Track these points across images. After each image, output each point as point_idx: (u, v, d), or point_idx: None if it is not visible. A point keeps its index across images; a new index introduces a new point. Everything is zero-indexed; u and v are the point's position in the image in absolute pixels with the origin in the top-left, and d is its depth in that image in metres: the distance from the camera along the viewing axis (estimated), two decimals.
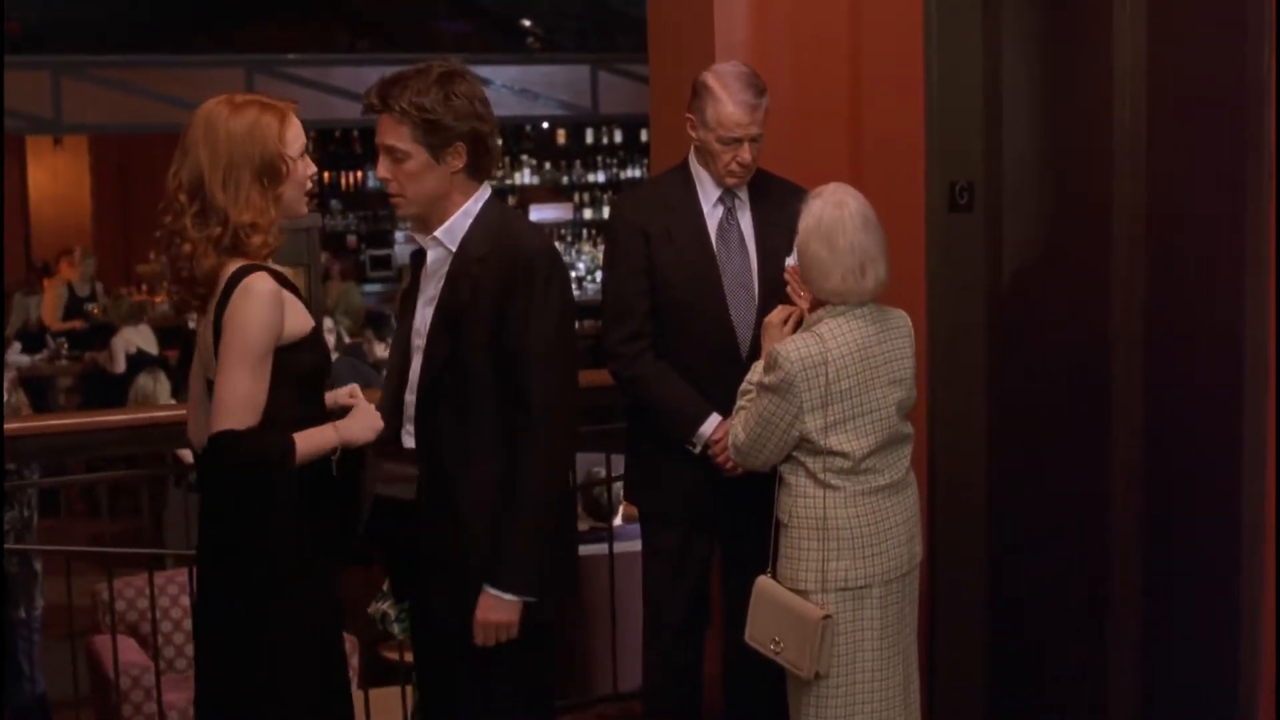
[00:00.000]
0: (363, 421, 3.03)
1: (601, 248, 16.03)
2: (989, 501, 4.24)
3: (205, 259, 2.92)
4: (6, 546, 5.42)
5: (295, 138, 3.00)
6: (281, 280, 2.97)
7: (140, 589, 5.14)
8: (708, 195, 3.86)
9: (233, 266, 2.93)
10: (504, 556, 3.06)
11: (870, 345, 3.43)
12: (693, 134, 3.84)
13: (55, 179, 16.73)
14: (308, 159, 3.05)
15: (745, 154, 3.78)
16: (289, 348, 2.93)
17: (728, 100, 3.76)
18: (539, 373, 3.06)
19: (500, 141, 3.20)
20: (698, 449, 3.76)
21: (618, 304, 3.83)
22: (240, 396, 2.86)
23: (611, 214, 4.09)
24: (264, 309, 2.87)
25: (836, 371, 3.38)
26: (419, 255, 3.25)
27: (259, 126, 2.95)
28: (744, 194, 3.88)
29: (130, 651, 4.95)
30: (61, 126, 14.19)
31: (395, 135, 3.08)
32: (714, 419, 3.74)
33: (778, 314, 3.60)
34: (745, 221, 3.86)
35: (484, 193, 3.19)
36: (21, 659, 5.65)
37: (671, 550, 3.87)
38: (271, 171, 2.95)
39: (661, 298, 3.81)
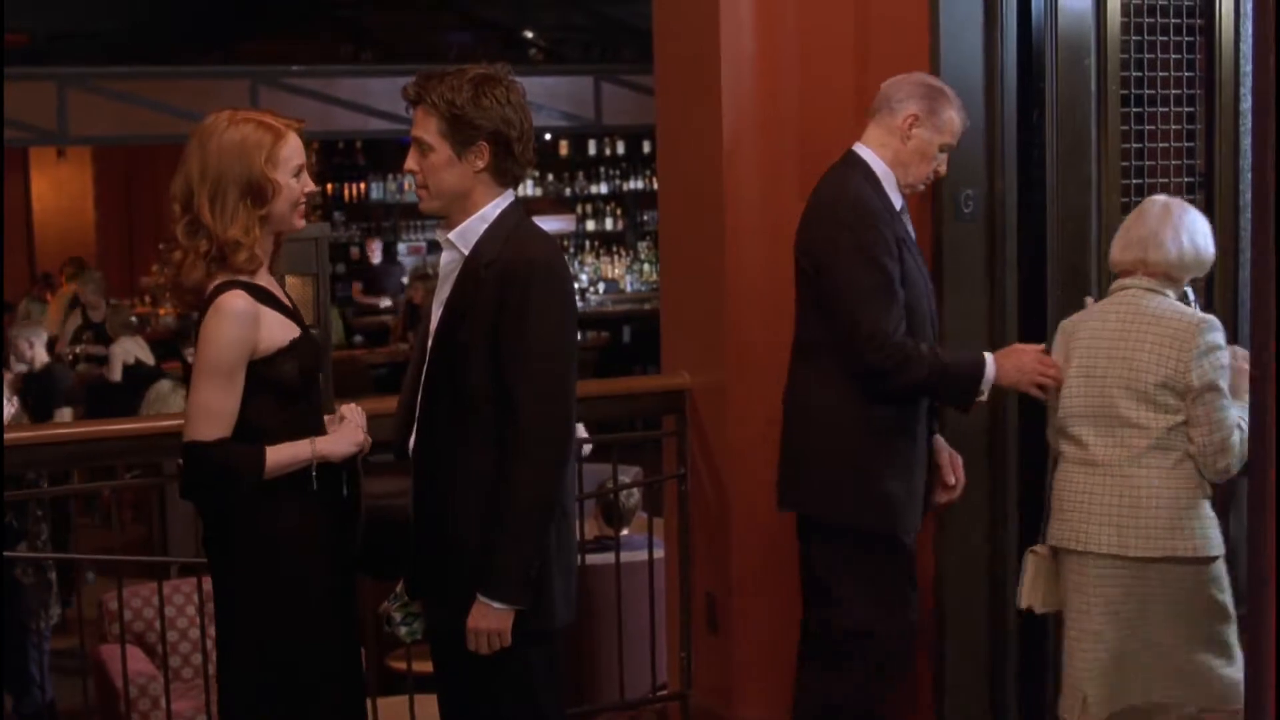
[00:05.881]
0: (343, 436, 3.11)
1: (604, 260, 16.10)
2: (990, 501, 4.25)
3: (194, 270, 3.02)
4: (22, 556, 5.44)
5: (290, 157, 3.04)
6: (261, 295, 3.04)
7: (147, 598, 5.15)
8: (897, 204, 3.80)
9: (218, 279, 3.02)
10: (493, 565, 3.08)
11: None
12: (912, 132, 3.75)
13: (59, 191, 16.76)
14: (306, 177, 3.09)
15: (945, 165, 3.80)
16: (266, 360, 3.01)
17: (958, 109, 3.76)
18: (529, 383, 3.07)
19: (533, 151, 3.20)
20: (985, 394, 3.71)
21: (886, 289, 3.65)
22: (208, 409, 2.98)
23: (859, 209, 3.72)
24: (233, 327, 2.97)
25: None
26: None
27: (249, 145, 3.00)
28: None
29: (137, 661, 4.95)
30: (67, 138, 14.22)
31: (424, 127, 3.13)
32: (989, 357, 3.72)
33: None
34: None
35: (505, 199, 3.20)
36: (33, 667, 5.67)
37: (910, 561, 3.85)
38: (257, 191, 3.01)
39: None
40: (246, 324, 2.98)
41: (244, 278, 3.03)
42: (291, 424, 3.06)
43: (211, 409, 2.98)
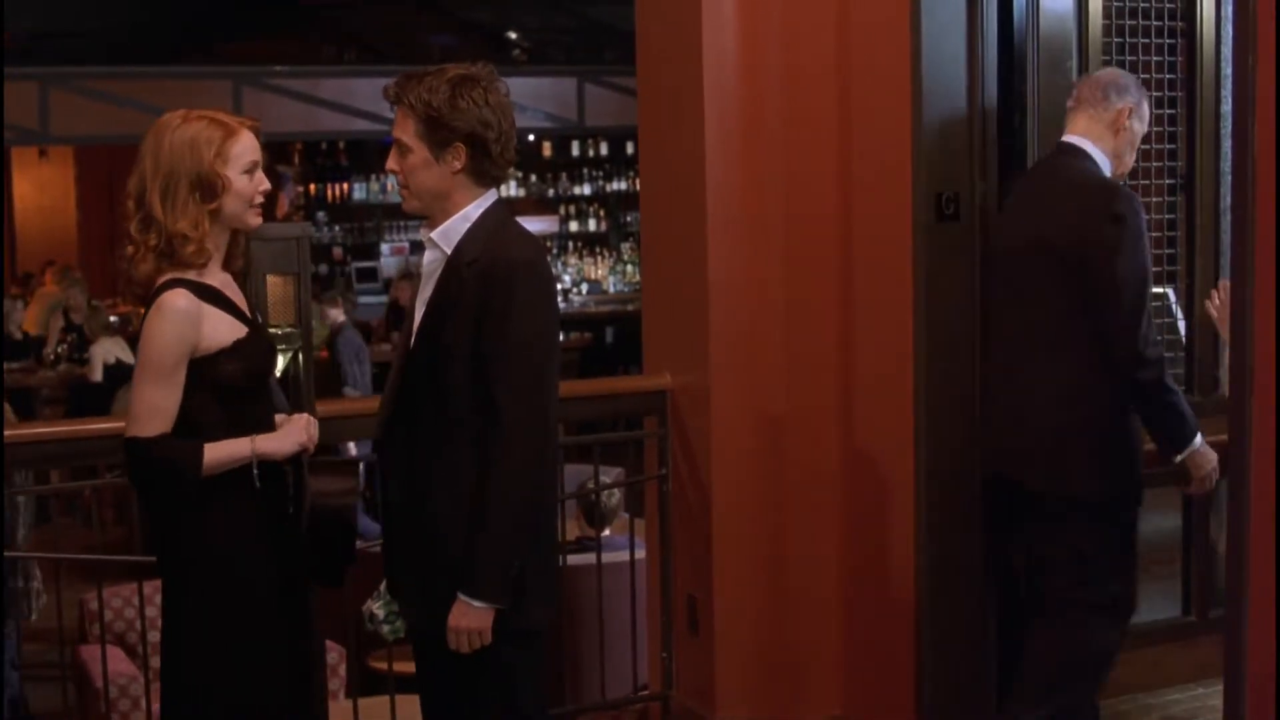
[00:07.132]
0: (285, 435, 3.14)
1: (587, 260, 16.11)
2: (980, 503, 4.26)
3: (143, 263, 3.05)
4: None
5: (241, 154, 3.07)
6: (208, 293, 3.06)
7: (127, 598, 5.13)
8: None
9: (166, 276, 3.04)
10: (474, 563, 3.09)
11: None
12: (1127, 124, 3.79)
13: (41, 191, 16.73)
14: (260, 175, 3.12)
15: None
16: (208, 358, 3.04)
17: (1148, 99, 3.83)
18: (510, 383, 3.07)
19: (513, 151, 3.19)
20: (1181, 457, 3.74)
21: (1148, 296, 3.68)
22: (147, 406, 3.02)
23: (1125, 198, 3.74)
24: (173, 326, 3.00)
25: None
26: None
27: (200, 141, 3.03)
28: None
29: (117, 661, 4.94)
30: (49, 138, 14.19)
31: (403, 128, 3.14)
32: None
33: None
34: None
35: (488, 198, 3.20)
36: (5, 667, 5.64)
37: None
38: (206, 186, 3.03)
39: None
40: (187, 322, 3.00)
41: (191, 275, 3.05)
42: (235, 423, 3.08)
43: (153, 406, 3.01)
